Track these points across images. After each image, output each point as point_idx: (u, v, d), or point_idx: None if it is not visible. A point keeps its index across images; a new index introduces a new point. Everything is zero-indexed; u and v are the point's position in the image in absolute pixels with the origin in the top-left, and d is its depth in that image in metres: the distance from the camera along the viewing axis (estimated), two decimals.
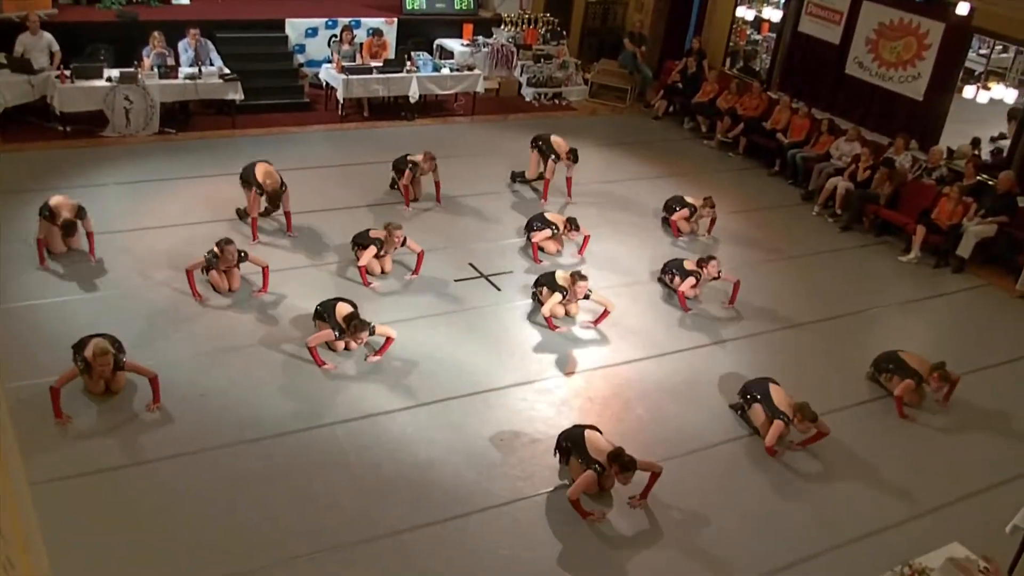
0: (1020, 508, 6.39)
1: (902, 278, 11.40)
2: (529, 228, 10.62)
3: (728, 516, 7.12)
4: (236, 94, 12.95)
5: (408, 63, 14.21)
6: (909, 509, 7.42)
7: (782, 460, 7.81)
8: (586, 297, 9.20)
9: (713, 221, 11.56)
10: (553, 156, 11.80)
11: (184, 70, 12.87)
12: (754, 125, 14.52)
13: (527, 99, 16.00)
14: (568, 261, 10.52)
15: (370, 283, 9.54)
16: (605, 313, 9.31)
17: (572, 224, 10.38)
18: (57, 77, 11.99)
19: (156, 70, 12.61)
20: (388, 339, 8.41)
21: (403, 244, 9.59)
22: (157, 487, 6.73)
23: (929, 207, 11.86)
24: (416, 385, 8.18)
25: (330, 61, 14.41)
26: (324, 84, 14.35)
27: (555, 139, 11.98)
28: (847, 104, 14.44)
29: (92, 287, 8.99)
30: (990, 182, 12.09)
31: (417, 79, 14.11)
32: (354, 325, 8.08)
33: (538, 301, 9.45)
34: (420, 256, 9.79)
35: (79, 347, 7.39)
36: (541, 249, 10.55)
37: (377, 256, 9.60)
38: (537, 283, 9.59)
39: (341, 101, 13.98)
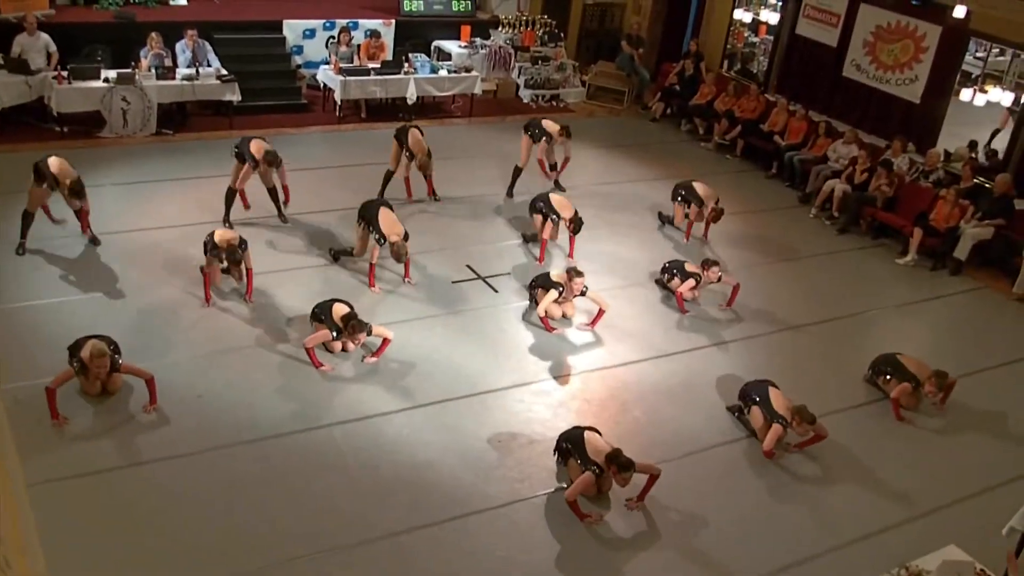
0: (1017, 510, 6.40)
1: (899, 280, 11.41)
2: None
3: (725, 518, 7.12)
4: (233, 95, 12.95)
5: (406, 65, 14.22)
6: (906, 511, 7.42)
7: (780, 462, 7.81)
8: (582, 294, 9.17)
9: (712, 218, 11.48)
10: (545, 137, 11.72)
11: (181, 71, 12.87)
12: (751, 127, 14.54)
13: (525, 101, 16.02)
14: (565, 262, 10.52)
15: (376, 288, 9.58)
16: (600, 314, 9.31)
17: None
18: (54, 78, 11.98)
19: (153, 71, 12.61)
20: (385, 340, 8.41)
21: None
22: (154, 488, 6.72)
23: (926, 210, 11.89)
24: (413, 387, 8.18)
25: (328, 62, 14.42)
26: (322, 85, 14.36)
27: (546, 122, 11.96)
28: (844, 107, 14.47)
29: (89, 288, 8.98)
30: (987, 185, 12.12)
31: (415, 81, 14.12)
32: (352, 325, 8.08)
33: (535, 302, 9.45)
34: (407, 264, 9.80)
35: (75, 348, 7.38)
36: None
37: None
38: (533, 285, 9.58)
39: (339, 102, 13.98)
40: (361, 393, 8.01)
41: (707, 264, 9.89)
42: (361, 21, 15.29)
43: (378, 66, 14.09)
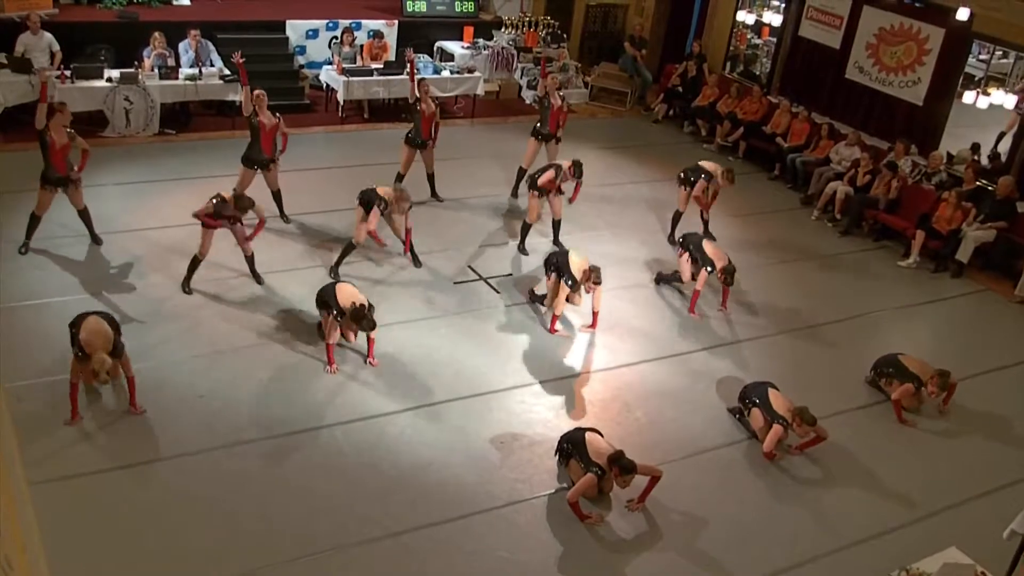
0: (1018, 513, 6.39)
1: (901, 283, 11.40)
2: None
3: (726, 520, 7.12)
4: (236, 95, 12.92)
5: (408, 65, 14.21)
6: (907, 513, 7.42)
7: (780, 464, 7.81)
8: (587, 291, 9.09)
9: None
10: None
11: (184, 71, 12.88)
12: (754, 129, 14.54)
13: (527, 102, 16.01)
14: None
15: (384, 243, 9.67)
16: (595, 315, 9.28)
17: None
18: (57, 77, 11.99)
19: (156, 71, 12.63)
20: (370, 339, 8.40)
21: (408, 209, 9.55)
22: (156, 488, 6.72)
23: (928, 212, 11.88)
24: (415, 387, 8.18)
25: (331, 63, 14.43)
26: (324, 86, 14.37)
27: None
28: (847, 108, 14.46)
29: (92, 287, 8.98)
30: (989, 187, 12.11)
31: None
32: (363, 323, 8.01)
33: (550, 275, 9.17)
34: (408, 233, 9.85)
35: (74, 326, 7.26)
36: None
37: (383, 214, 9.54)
38: (547, 263, 9.32)
39: (341, 103, 14.00)
40: (363, 393, 8.02)
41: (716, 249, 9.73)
42: (364, 22, 15.30)
43: (381, 67, 14.10)
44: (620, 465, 6.73)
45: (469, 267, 10.30)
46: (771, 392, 8.01)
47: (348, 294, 8.21)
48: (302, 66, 15.00)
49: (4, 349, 7.81)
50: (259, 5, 15.57)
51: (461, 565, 6.41)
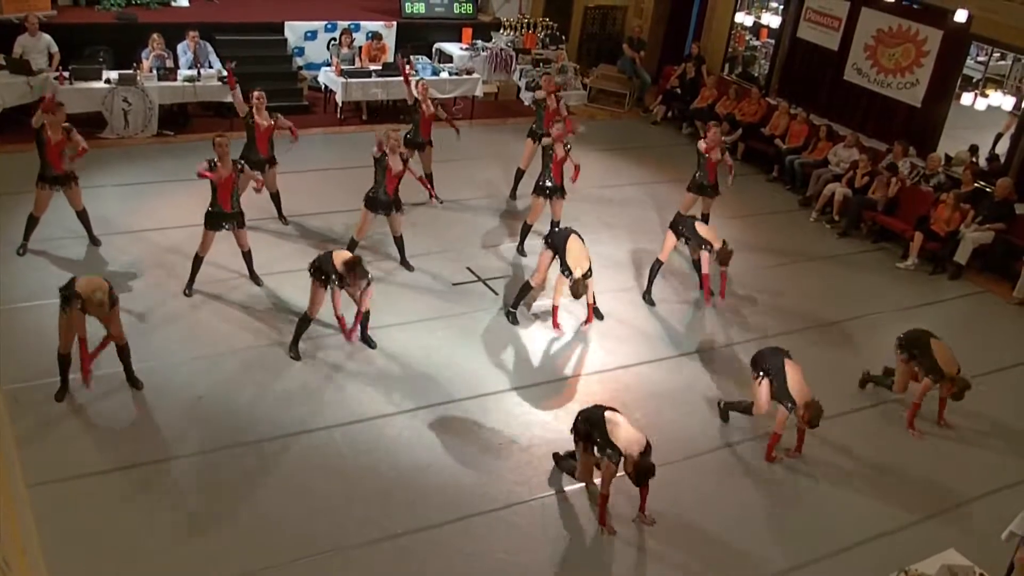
0: (1016, 515, 6.40)
1: (900, 284, 11.41)
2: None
3: (725, 522, 7.12)
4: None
5: (407, 67, 14.21)
6: (906, 515, 7.42)
7: (779, 465, 7.81)
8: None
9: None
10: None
11: (183, 72, 12.88)
12: (752, 131, 14.55)
13: (526, 103, 15.99)
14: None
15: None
16: (590, 308, 9.21)
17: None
18: (56, 78, 11.99)
19: (155, 72, 12.63)
20: (360, 313, 8.40)
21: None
22: (154, 490, 6.72)
23: (927, 214, 11.89)
24: (413, 389, 8.18)
25: (329, 64, 14.43)
26: (323, 87, 14.37)
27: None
28: (845, 110, 14.48)
29: None
30: (988, 189, 12.12)
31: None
32: (355, 272, 7.97)
33: (550, 265, 9.12)
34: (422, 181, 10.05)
35: (67, 289, 7.16)
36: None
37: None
38: (547, 241, 9.22)
39: (340, 104, 14.01)
40: (361, 395, 8.02)
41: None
42: (363, 23, 15.30)
43: (379, 68, 14.10)
44: (642, 469, 6.48)
45: (468, 268, 10.29)
46: (788, 366, 7.59)
47: (341, 257, 8.18)
48: (300, 67, 14.99)
49: (2, 351, 7.80)
50: (258, 6, 15.57)
51: (460, 567, 6.41)
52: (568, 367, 8.83)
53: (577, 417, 6.95)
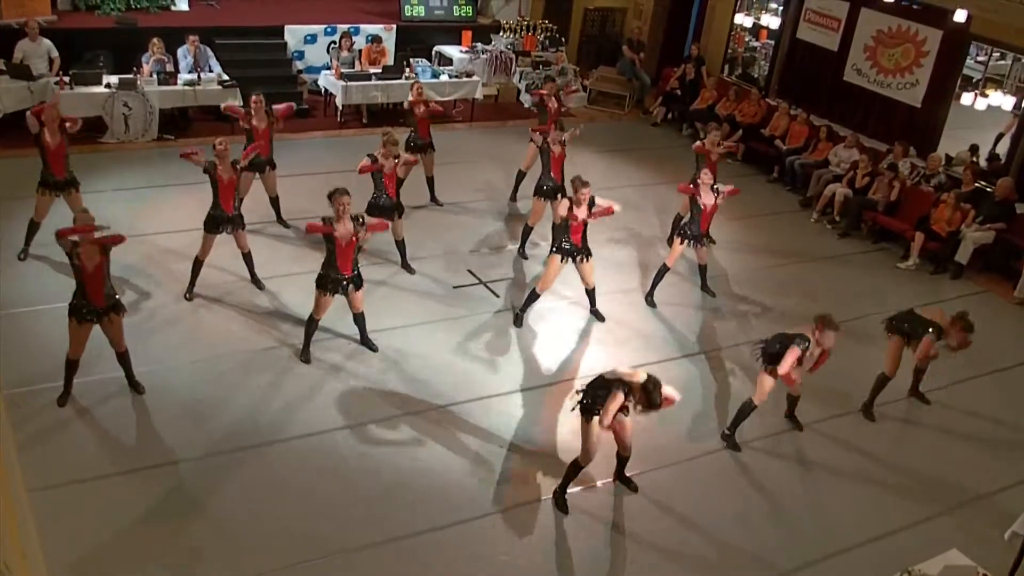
0: (1019, 515, 6.40)
1: (900, 284, 11.40)
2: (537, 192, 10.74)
3: (726, 523, 7.11)
4: (235, 100, 12.95)
5: (407, 70, 14.23)
6: (908, 516, 7.41)
7: (779, 467, 7.80)
8: (590, 207, 8.94)
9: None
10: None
11: (183, 76, 12.90)
12: (753, 132, 14.55)
13: (526, 105, 16.02)
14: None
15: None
16: (610, 210, 9.03)
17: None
18: (56, 83, 12.00)
19: (155, 76, 12.64)
20: (373, 228, 8.35)
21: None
22: (154, 494, 6.72)
23: (927, 214, 11.89)
24: (415, 391, 8.18)
25: (329, 67, 14.43)
26: (323, 90, 14.38)
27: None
28: (845, 111, 14.48)
29: None
30: (988, 189, 12.12)
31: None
32: (335, 193, 8.01)
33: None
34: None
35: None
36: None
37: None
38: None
39: (340, 107, 14.02)
40: (363, 398, 8.01)
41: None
42: (362, 26, 15.31)
43: (379, 71, 14.11)
44: (650, 387, 6.42)
45: (469, 271, 10.29)
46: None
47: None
48: (300, 71, 15.01)
49: (3, 355, 7.80)
50: (257, 10, 15.59)
51: (463, 568, 6.41)
52: (569, 369, 8.82)
53: (582, 399, 6.77)
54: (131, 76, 12.47)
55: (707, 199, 9.74)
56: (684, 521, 7.06)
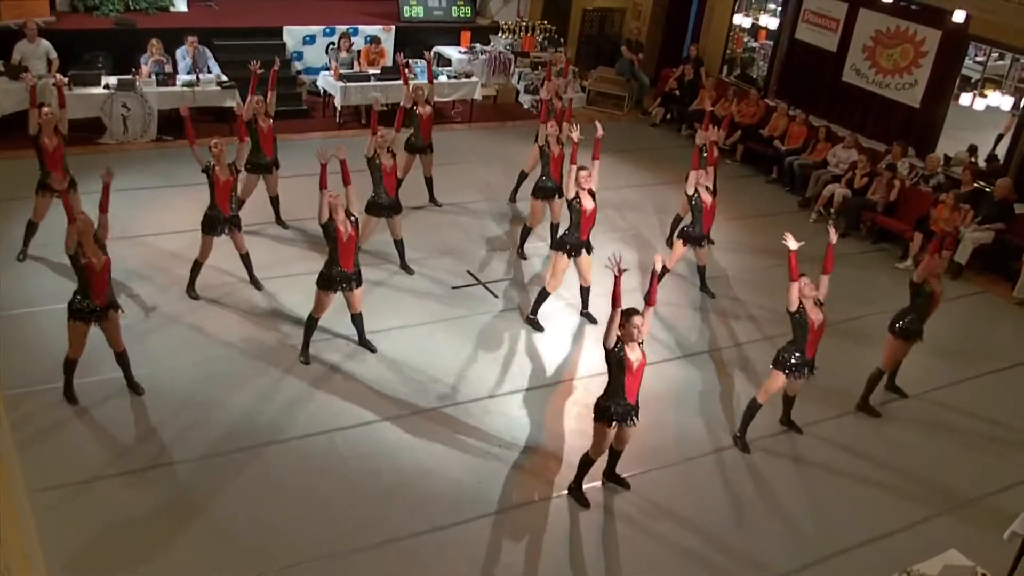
0: (1018, 515, 6.39)
1: (899, 285, 11.33)
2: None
3: (727, 523, 7.12)
4: (234, 101, 12.96)
5: (406, 69, 14.20)
6: (907, 516, 7.41)
7: (779, 467, 7.80)
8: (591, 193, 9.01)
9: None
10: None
11: (182, 77, 12.89)
12: (751, 132, 14.55)
13: (525, 106, 16.02)
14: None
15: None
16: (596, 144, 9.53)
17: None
18: (55, 84, 11.97)
19: (154, 77, 12.64)
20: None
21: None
22: (153, 495, 6.71)
23: (926, 214, 11.89)
24: (414, 392, 8.17)
25: (328, 68, 14.43)
26: (322, 91, 14.38)
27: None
28: (844, 111, 14.48)
29: None
30: (987, 189, 12.12)
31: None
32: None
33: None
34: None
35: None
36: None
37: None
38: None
39: (339, 108, 14.01)
40: (362, 399, 8.01)
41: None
42: (361, 27, 15.31)
43: (378, 72, 14.11)
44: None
45: (468, 272, 10.29)
46: None
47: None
48: (299, 72, 15.01)
49: (2, 356, 7.80)
50: (256, 11, 15.57)
51: (463, 569, 6.41)
52: (569, 369, 8.82)
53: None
54: (130, 77, 12.47)
55: (706, 198, 9.75)
56: (684, 522, 7.07)
